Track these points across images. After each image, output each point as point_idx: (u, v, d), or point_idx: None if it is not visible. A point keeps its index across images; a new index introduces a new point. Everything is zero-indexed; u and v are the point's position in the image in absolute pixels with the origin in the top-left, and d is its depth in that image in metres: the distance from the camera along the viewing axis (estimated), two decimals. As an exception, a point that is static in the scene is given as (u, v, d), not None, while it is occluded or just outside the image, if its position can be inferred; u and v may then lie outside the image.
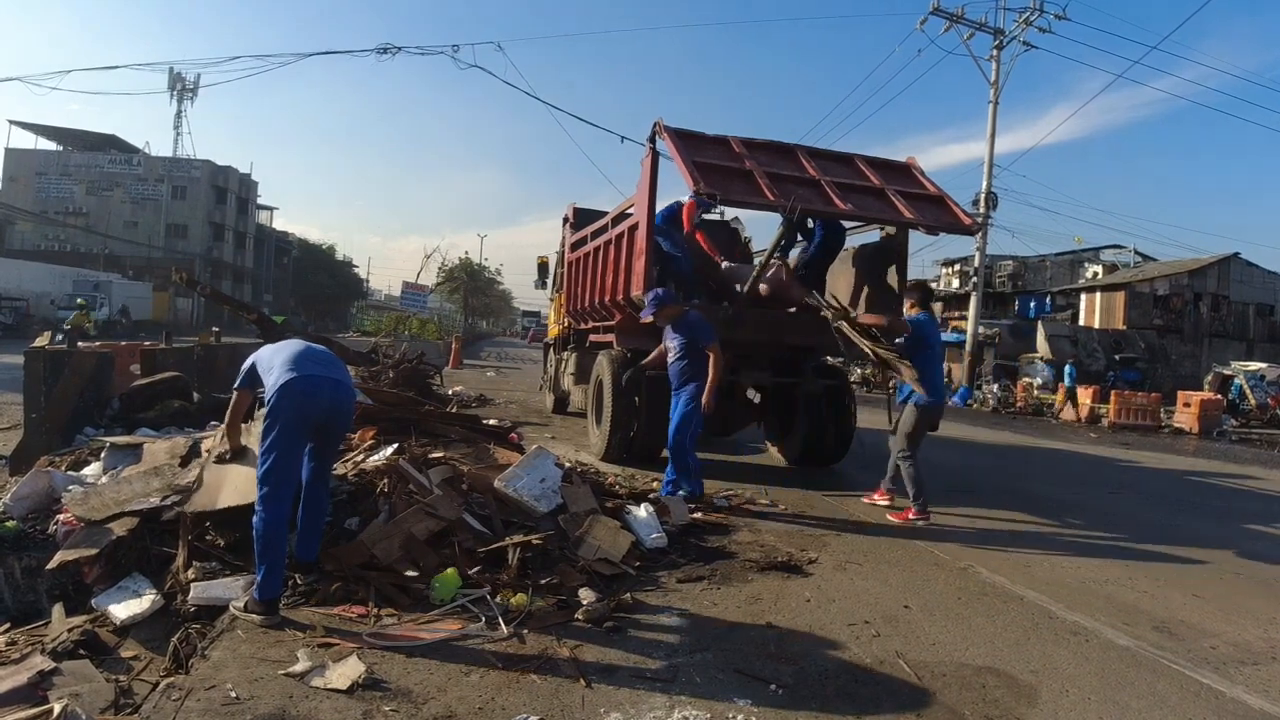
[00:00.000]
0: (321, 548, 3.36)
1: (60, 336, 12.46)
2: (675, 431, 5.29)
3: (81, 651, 2.70)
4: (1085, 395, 18.35)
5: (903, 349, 5.48)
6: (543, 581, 3.42)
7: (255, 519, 2.95)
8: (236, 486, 3.42)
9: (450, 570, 3.32)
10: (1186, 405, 17.32)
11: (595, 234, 8.11)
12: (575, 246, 9.16)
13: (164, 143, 64.48)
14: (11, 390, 7.76)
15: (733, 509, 5.34)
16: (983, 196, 21.41)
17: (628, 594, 3.44)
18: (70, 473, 4.14)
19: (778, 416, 7.74)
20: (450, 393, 11.04)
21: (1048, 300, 32.61)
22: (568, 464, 5.28)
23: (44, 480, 3.88)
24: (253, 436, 3.46)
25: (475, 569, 3.45)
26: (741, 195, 5.86)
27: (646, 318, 5.74)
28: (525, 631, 2.96)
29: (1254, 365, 21.71)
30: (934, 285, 35.90)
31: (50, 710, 2.14)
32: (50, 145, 44.61)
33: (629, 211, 6.92)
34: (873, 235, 7.38)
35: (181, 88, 43.02)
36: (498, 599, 3.20)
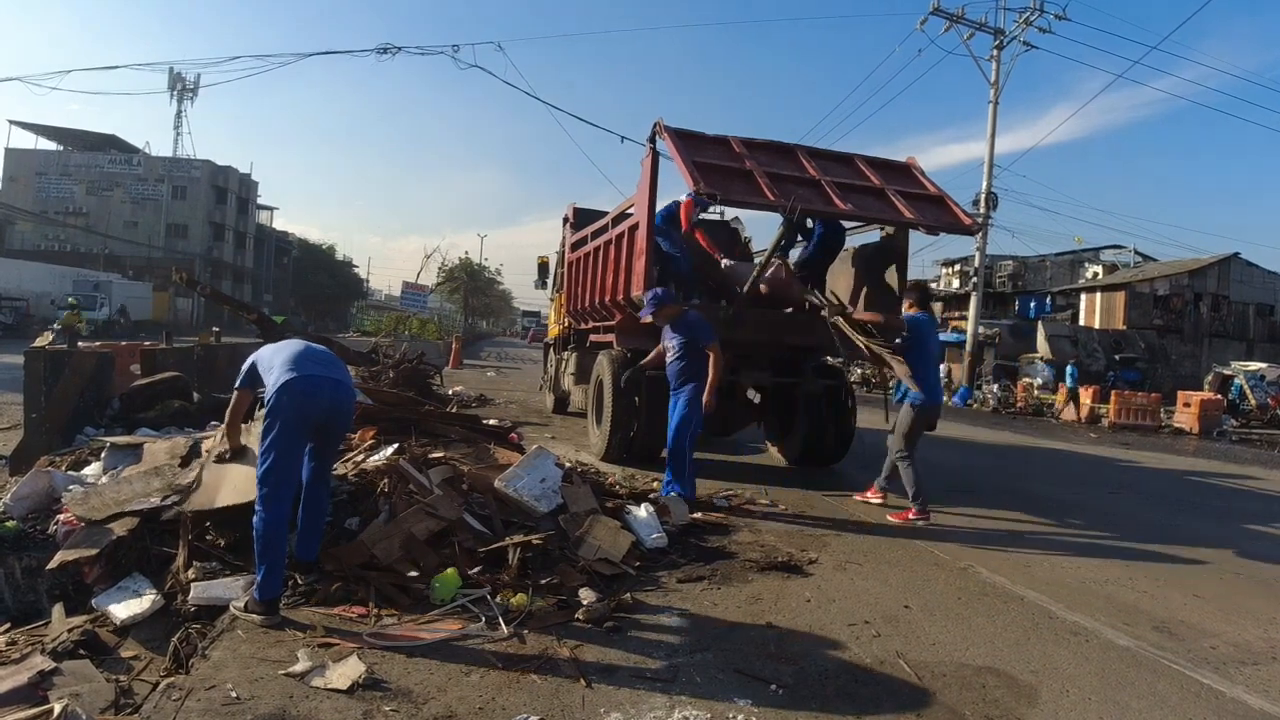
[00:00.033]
0: (322, 548, 3.36)
1: (51, 338, 12.50)
2: (676, 432, 5.27)
3: (82, 651, 2.70)
4: (1085, 395, 18.34)
5: (899, 348, 5.49)
6: (543, 581, 3.42)
7: (255, 519, 2.95)
8: (235, 485, 3.42)
9: (450, 570, 3.32)
10: (1186, 405, 17.32)
11: (595, 234, 8.11)
12: (575, 246, 9.17)
13: (164, 143, 64.55)
14: (11, 390, 7.77)
15: (733, 509, 5.34)
16: (983, 196, 21.41)
17: (628, 594, 3.44)
18: (70, 473, 4.14)
19: (778, 416, 7.74)
20: (450, 393, 11.04)
21: (1048, 300, 32.60)
22: (568, 464, 5.28)
23: (44, 480, 3.88)
24: (252, 436, 3.46)
25: (475, 569, 3.45)
26: (741, 195, 5.86)
27: (645, 317, 5.74)
28: (525, 631, 2.96)
29: (1254, 365, 21.71)
30: (934, 285, 35.94)
31: (50, 710, 2.14)
32: (50, 145, 44.62)
33: (629, 211, 6.92)
34: (873, 235, 7.38)
35: (181, 88, 43.06)
36: (498, 599, 3.20)
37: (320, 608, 3.05)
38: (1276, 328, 30.25)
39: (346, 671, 2.48)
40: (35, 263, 32.82)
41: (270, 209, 55.30)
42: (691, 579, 3.78)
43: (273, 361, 3.14)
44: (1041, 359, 24.95)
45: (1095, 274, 34.70)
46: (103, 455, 4.28)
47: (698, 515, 4.94)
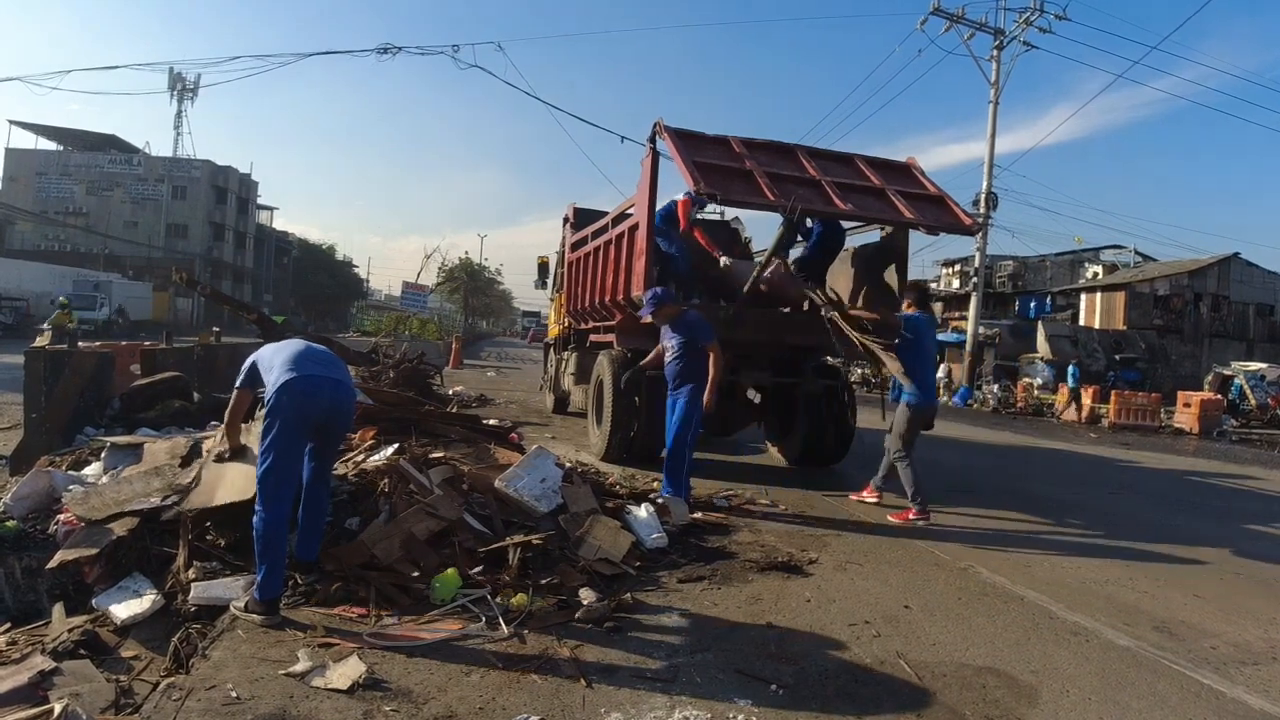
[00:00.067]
0: (322, 548, 3.37)
1: (50, 338, 12.43)
2: (676, 434, 5.21)
3: (82, 651, 2.70)
4: (1085, 395, 18.34)
5: (894, 345, 5.50)
6: (543, 581, 3.42)
7: (255, 519, 2.95)
8: (234, 484, 3.42)
9: (451, 570, 3.32)
10: (1186, 405, 17.32)
11: (595, 234, 8.11)
12: (575, 246, 9.17)
13: (164, 143, 64.54)
14: (12, 390, 7.76)
15: (733, 509, 5.34)
16: (983, 196, 21.41)
17: (628, 594, 3.44)
18: (70, 473, 4.14)
19: (778, 416, 7.74)
20: (450, 393, 11.04)
21: (1048, 300, 32.60)
22: (568, 464, 5.28)
23: (44, 480, 3.88)
24: (253, 436, 3.46)
25: (476, 569, 3.45)
26: (742, 195, 5.86)
27: (645, 317, 5.73)
28: (526, 631, 2.96)
29: (1254, 365, 21.70)
30: (934, 285, 35.94)
31: (50, 710, 2.14)
32: (50, 145, 44.61)
33: (629, 212, 6.93)
34: (873, 235, 7.38)
35: (181, 88, 43.06)
36: (498, 599, 3.20)
37: (320, 608, 3.05)
38: (1276, 328, 30.24)
39: (347, 671, 2.48)
40: (35, 263, 32.82)
41: (270, 209, 55.38)
42: (692, 579, 3.78)
43: (273, 361, 3.14)
44: (1041, 359, 24.95)
45: (1095, 274, 34.70)
46: (103, 455, 4.27)
47: (698, 515, 4.94)
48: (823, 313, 5.98)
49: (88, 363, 5.30)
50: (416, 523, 3.60)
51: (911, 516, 5.36)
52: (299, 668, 2.50)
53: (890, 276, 6.98)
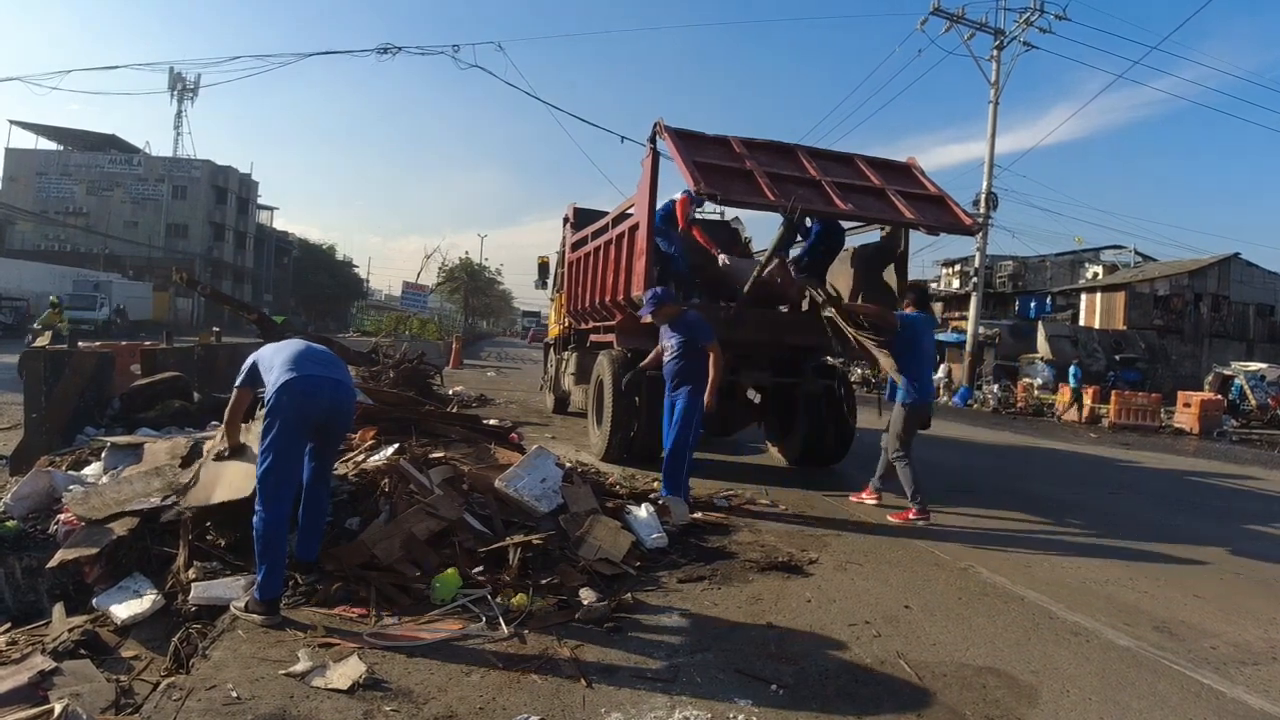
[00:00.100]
0: (322, 548, 3.37)
1: (29, 338, 12.38)
2: (677, 436, 5.16)
3: (82, 651, 2.70)
4: (1086, 395, 18.34)
5: (889, 343, 5.51)
6: (543, 581, 3.42)
7: (255, 519, 2.95)
8: (231, 482, 3.42)
9: (451, 570, 3.32)
10: (1187, 405, 17.32)
11: (596, 234, 8.11)
12: (576, 246, 9.17)
13: (164, 143, 64.46)
14: (12, 390, 7.77)
15: (733, 509, 5.34)
16: (983, 196, 21.41)
17: (628, 594, 3.44)
18: (71, 473, 4.14)
19: (778, 416, 7.74)
20: (450, 393, 11.04)
21: (1048, 300, 32.59)
22: (568, 464, 5.28)
23: (44, 480, 3.88)
24: (253, 436, 3.46)
25: (476, 569, 3.45)
26: (742, 195, 5.86)
27: (645, 316, 5.73)
28: (526, 631, 2.96)
29: (1254, 365, 21.69)
30: (934, 285, 35.95)
31: (51, 710, 2.14)
32: (50, 145, 44.61)
33: (629, 212, 6.93)
34: (873, 235, 7.39)
35: (181, 88, 43.04)
36: (498, 599, 3.20)
37: (321, 608, 3.05)
38: (1276, 328, 30.24)
39: (347, 671, 2.48)
40: (35, 263, 32.83)
41: (270, 209, 55.36)
42: (692, 579, 3.78)
43: (273, 361, 3.14)
44: (1042, 359, 24.94)
45: (1095, 274, 34.69)
46: (103, 455, 4.28)
47: (698, 515, 4.94)
48: (823, 312, 5.98)
49: (88, 363, 5.30)
50: (417, 523, 3.60)
51: (911, 516, 5.36)
52: (299, 668, 2.50)
53: (890, 276, 6.99)
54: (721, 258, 7.22)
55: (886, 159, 6.92)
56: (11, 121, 48.23)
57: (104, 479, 3.96)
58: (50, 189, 42.74)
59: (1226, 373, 21.22)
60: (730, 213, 9.04)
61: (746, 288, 6.36)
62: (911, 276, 7.11)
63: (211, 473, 3.54)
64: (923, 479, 5.49)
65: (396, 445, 4.51)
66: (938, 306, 33.69)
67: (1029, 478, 8.67)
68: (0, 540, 3.41)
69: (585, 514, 4.15)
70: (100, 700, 2.33)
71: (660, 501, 4.86)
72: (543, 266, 12.93)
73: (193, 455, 4.05)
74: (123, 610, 2.97)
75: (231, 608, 2.93)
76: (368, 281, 72.47)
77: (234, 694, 2.35)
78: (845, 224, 7.04)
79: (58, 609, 3.04)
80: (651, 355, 5.75)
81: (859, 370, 21.25)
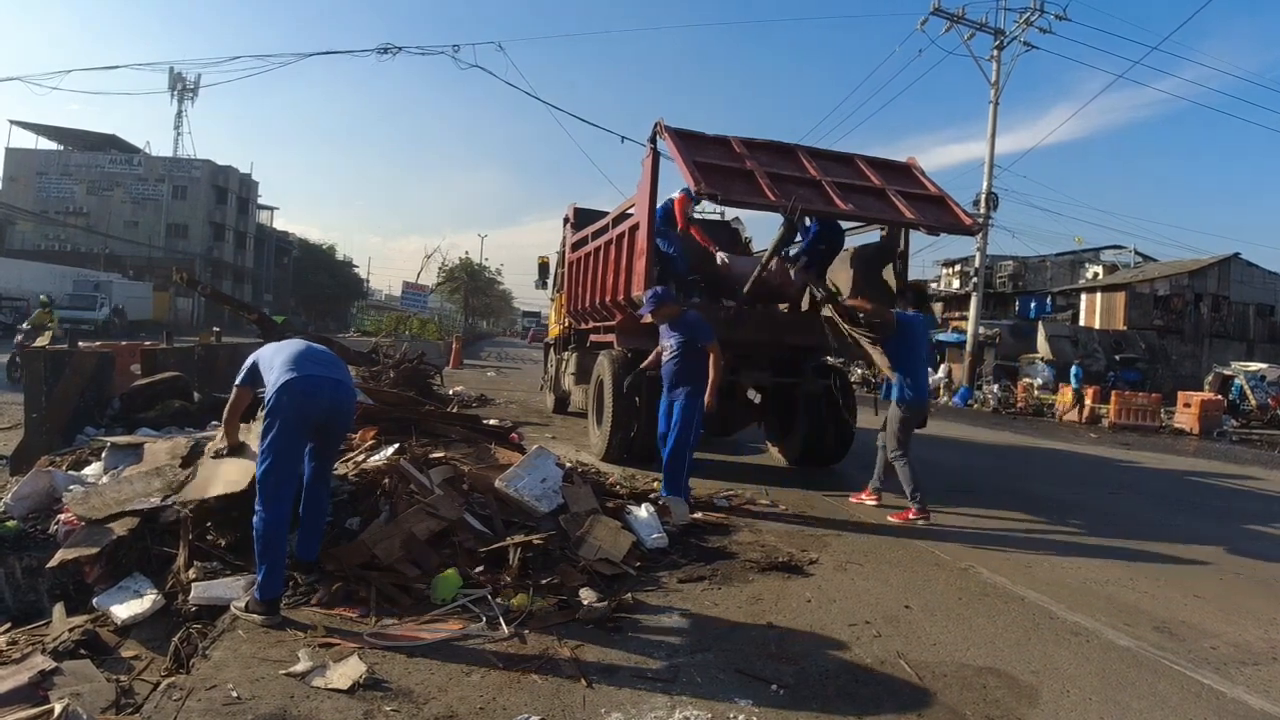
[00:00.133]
0: (322, 548, 3.37)
1: (19, 337, 12.25)
2: (677, 437, 5.14)
3: (82, 651, 2.70)
4: (1086, 395, 18.34)
5: (884, 341, 5.53)
6: (544, 581, 3.42)
7: (255, 519, 2.95)
8: (227, 477, 3.43)
9: (451, 570, 3.33)
10: (1187, 406, 17.32)
11: (596, 234, 8.11)
12: (576, 247, 9.17)
13: (164, 143, 64.41)
14: (12, 390, 7.77)
15: (733, 509, 5.34)
16: (983, 197, 21.41)
17: (629, 594, 3.44)
18: (71, 472, 4.14)
19: (778, 416, 7.74)
20: (451, 393, 11.03)
21: (1048, 300, 32.59)
22: (568, 464, 5.28)
23: (45, 480, 3.88)
24: (253, 435, 3.47)
25: (476, 569, 3.45)
26: (742, 195, 5.86)
27: (645, 315, 5.73)
28: (526, 631, 2.97)
29: (1254, 366, 21.67)
30: (935, 285, 35.96)
31: (51, 710, 2.14)
32: (51, 145, 44.58)
33: (629, 212, 6.93)
34: (873, 235, 7.38)
35: (182, 88, 43.02)
36: (498, 599, 3.20)
37: (321, 608, 3.05)
38: (1277, 328, 30.23)
39: (347, 671, 2.48)
40: (36, 263, 32.80)
41: (270, 209, 55.33)
42: (692, 579, 3.78)
43: (273, 361, 3.14)
44: (1042, 359, 24.93)
45: (1095, 274, 34.69)
46: (103, 455, 4.27)
47: (698, 515, 4.94)
48: (822, 311, 5.99)
49: (88, 363, 5.30)
50: (417, 523, 3.60)
51: (911, 516, 5.36)
52: (299, 668, 2.50)
53: (890, 276, 6.99)
54: (720, 256, 7.21)
55: (887, 159, 6.92)
56: (12, 121, 48.34)
57: (104, 479, 3.96)
58: (50, 189, 42.73)
59: (1226, 373, 21.21)
60: (730, 213, 9.04)
61: (747, 288, 6.36)
62: (911, 276, 7.11)
63: (209, 469, 3.55)
64: (922, 478, 5.49)
65: (397, 445, 4.51)
66: (938, 306, 33.73)
67: (1029, 478, 8.67)
68: (0, 540, 3.41)
69: (585, 514, 4.15)
70: (100, 700, 2.33)
71: (660, 501, 4.86)
72: (543, 266, 12.93)
73: (193, 455, 4.05)
74: (123, 610, 2.97)
75: (232, 608, 2.93)
76: (368, 281, 72.54)
77: (234, 694, 2.35)
78: (845, 224, 7.04)
79: (58, 609, 3.04)
80: (652, 356, 5.74)
81: (859, 370, 21.23)
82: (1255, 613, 3.94)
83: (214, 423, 4.98)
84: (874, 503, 5.84)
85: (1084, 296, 31.23)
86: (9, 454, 4.94)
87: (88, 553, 3.20)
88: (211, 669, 2.52)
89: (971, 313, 22.83)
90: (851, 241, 7.44)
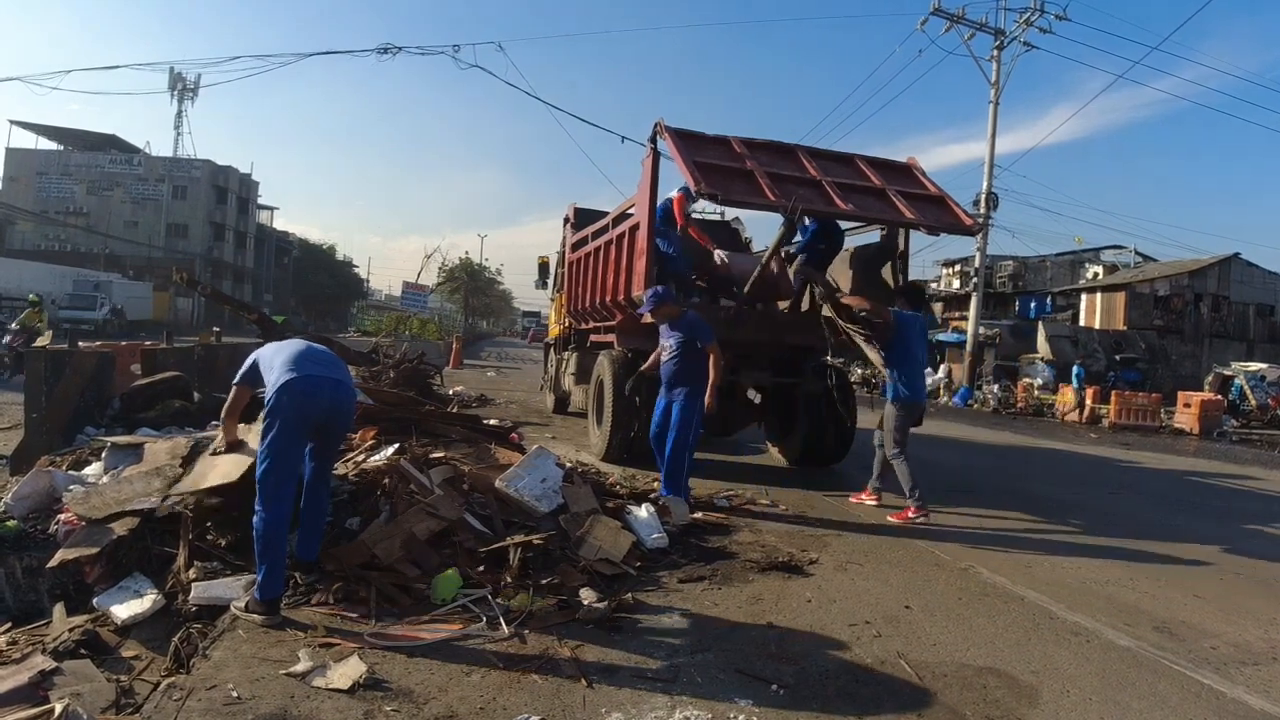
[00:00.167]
0: (322, 548, 3.37)
1: (7, 338, 12.12)
2: (677, 438, 5.12)
3: (82, 651, 2.70)
4: (1086, 395, 18.33)
5: (880, 339, 5.54)
6: (544, 581, 3.43)
7: (256, 519, 2.95)
8: (222, 469, 3.43)
9: (451, 570, 3.33)
10: (1187, 406, 17.31)
11: (596, 234, 8.11)
12: (576, 247, 9.17)
13: (164, 143, 64.43)
14: (12, 390, 7.77)
15: (733, 509, 5.34)
16: (983, 197, 21.40)
17: (629, 594, 3.44)
18: (71, 472, 4.14)
19: (778, 416, 7.74)
20: (451, 393, 11.04)
21: (1048, 301, 32.58)
22: (569, 464, 5.28)
23: (45, 480, 3.88)
24: (253, 436, 3.47)
25: (476, 569, 3.45)
26: (742, 195, 5.85)
27: (644, 315, 5.73)
28: (526, 631, 2.97)
29: (1254, 366, 21.66)
30: (935, 285, 35.95)
31: (51, 710, 2.14)
32: (51, 145, 44.59)
33: (630, 212, 6.93)
34: (873, 235, 7.39)
35: (182, 88, 43.03)
36: (499, 599, 3.20)
37: (321, 608, 3.05)
38: (1277, 328, 30.23)
39: (347, 671, 2.48)
40: (36, 263, 32.82)
41: (270, 209, 55.34)
42: (692, 579, 3.78)
43: (273, 361, 3.14)
44: (1042, 359, 24.92)
45: (1095, 274, 34.68)
46: (103, 455, 4.27)
47: (698, 515, 4.94)
48: (822, 311, 5.99)
49: (88, 363, 5.30)
50: (417, 523, 3.60)
51: (911, 515, 5.36)
52: (300, 668, 2.50)
53: (889, 276, 6.99)
54: (718, 254, 7.21)
55: (887, 159, 6.92)
56: (12, 121, 48.33)
57: (104, 479, 3.95)
58: (50, 189, 42.74)
59: (1226, 373, 21.20)
60: (730, 213, 9.04)
61: (747, 288, 6.36)
62: (912, 276, 7.11)
63: (205, 464, 3.56)
64: (919, 475, 5.49)
65: (397, 445, 4.51)
66: (938, 306, 33.73)
67: (1029, 478, 8.67)
68: (0, 540, 3.41)
69: (586, 514, 4.15)
70: (100, 700, 2.33)
71: (661, 501, 4.86)
72: (543, 266, 12.93)
73: (193, 455, 4.04)
74: (123, 610, 2.97)
75: (232, 608, 2.93)
76: (368, 281, 72.54)
77: (234, 694, 2.35)
78: (845, 224, 7.03)
79: (58, 609, 3.04)
80: (652, 358, 5.73)
81: (859, 370, 21.23)
82: (1255, 613, 3.94)
83: (214, 423, 4.97)
84: (874, 503, 5.84)
85: (1084, 296, 31.23)
86: (9, 454, 4.94)
87: (88, 553, 3.20)
88: (212, 669, 2.52)
89: (971, 313, 22.83)
90: (851, 242, 7.44)
